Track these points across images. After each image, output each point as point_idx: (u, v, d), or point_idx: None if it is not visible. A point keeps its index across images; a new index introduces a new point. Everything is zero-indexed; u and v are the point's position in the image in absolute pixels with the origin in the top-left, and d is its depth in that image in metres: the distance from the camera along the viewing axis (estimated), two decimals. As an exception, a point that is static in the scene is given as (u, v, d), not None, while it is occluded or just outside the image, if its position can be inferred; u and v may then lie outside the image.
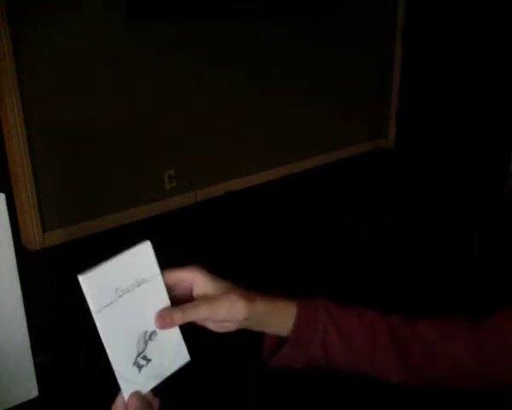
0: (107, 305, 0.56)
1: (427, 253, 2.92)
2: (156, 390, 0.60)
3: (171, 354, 0.62)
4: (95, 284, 0.56)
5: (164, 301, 0.61)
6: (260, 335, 0.70)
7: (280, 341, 0.69)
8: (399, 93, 4.79)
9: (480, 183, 3.78)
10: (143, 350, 0.59)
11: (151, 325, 0.60)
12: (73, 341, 1.53)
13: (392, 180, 4.15)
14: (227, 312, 0.61)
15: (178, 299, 0.62)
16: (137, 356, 0.59)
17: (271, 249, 2.98)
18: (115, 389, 0.59)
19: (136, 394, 0.58)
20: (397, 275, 2.69)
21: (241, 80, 3.68)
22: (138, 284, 0.59)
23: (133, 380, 0.59)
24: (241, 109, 3.74)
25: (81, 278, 0.55)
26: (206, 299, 0.61)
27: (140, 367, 0.59)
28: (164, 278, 0.61)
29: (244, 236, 3.17)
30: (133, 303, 0.58)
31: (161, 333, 0.61)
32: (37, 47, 2.75)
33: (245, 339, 0.66)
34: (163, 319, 0.59)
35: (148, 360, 0.60)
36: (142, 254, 0.60)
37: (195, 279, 0.62)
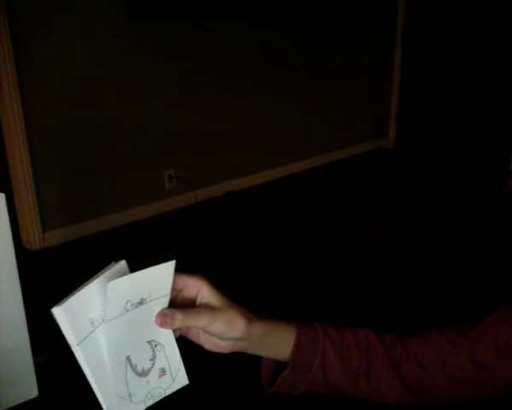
0: (86, 336, 0.54)
1: (427, 251, 2.92)
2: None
3: (170, 375, 0.62)
4: (72, 313, 0.52)
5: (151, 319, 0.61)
6: (257, 359, 0.70)
7: (278, 365, 0.69)
8: (399, 93, 4.79)
9: (480, 182, 3.78)
10: (141, 369, 0.59)
11: (156, 340, 0.60)
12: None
13: (392, 180, 4.15)
14: (226, 325, 0.61)
15: (181, 303, 0.63)
16: (131, 378, 0.58)
17: (271, 249, 2.98)
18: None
19: None
20: (397, 275, 2.69)
21: (241, 80, 3.68)
22: (147, 301, 0.58)
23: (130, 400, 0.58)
24: (241, 109, 3.74)
25: (57, 311, 0.51)
26: (209, 309, 0.61)
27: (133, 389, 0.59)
28: (173, 283, 0.61)
29: (244, 236, 3.16)
30: (119, 327, 0.56)
31: (161, 353, 0.61)
32: (37, 47, 2.75)
33: (243, 364, 0.66)
34: (164, 317, 0.59)
35: (146, 380, 0.59)
36: (120, 274, 0.58)
37: (202, 288, 0.63)
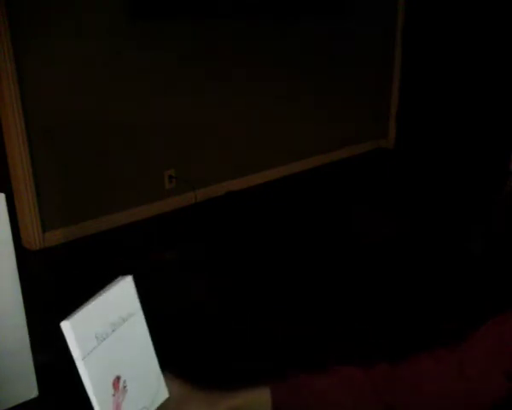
0: (91, 351, 0.54)
1: (427, 251, 2.92)
2: None
3: (152, 391, 0.63)
4: (79, 328, 0.53)
5: (145, 336, 0.62)
6: None
7: None
8: (399, 93, 4.79)
9: (480, 182, 3.78)
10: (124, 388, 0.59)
11: (134, 363, 0.60)
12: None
13: (392, 180, 4.15)
14: None
15: None
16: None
17: (271, 249, 2.98)
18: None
19: None
20: (397, 275, 2.69)
21: (241, 80, 3.68)
22: (121, 322, 0.58)
23: None
24: (241, 109, 3.74)
25: (65, 325, 0.52)
26: (172, 404, 0.65)
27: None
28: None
29: (244, 236, 3.16)
30: (117, 343, 0.57)
31: (142, 371, 0.61)
32: (37, 47, 2.75)
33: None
34: None
35: (129, 396, 0.59)
36: (125, 290, 0.59)
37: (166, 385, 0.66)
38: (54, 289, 2.48)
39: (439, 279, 2.64)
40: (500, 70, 4.16)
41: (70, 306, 0.55)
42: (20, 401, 0.81)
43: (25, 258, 2.85)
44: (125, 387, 0.59)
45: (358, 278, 2.66)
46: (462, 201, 3.56)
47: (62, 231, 3.05)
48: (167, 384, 0.66)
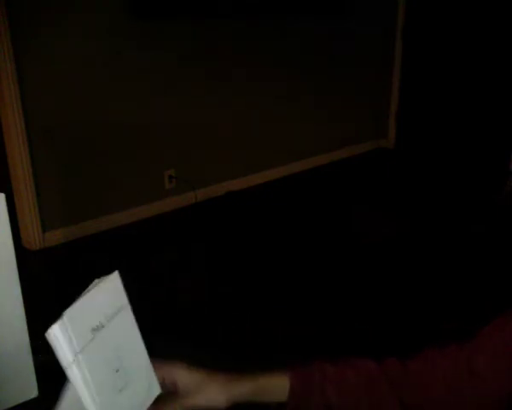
0: (82, 348, 0.54)
1: (427, 251, 2.92)
2: None
3: (145, 386, 0.63)
4: (69, 329, 0.53)
5: (135, 331, 0.62)
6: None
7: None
8: (399, 93, 4.79)
9: (480, 182, 3.78)
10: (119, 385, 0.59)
11: (125, 359, 0.60)
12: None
13: (392, 180, 4.15)
14: (207, 403, 0.65)
15: (167, 391, 0.67)
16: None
17: (271, 249, 2.98)
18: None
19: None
20: (397, 275, 2.69)
21: (241, 80, 3.68)
22: (110, 319, 0.58)
23: None
24: (241, 109, 3.74)
25: (55, 329, 0.52)
26: (186, 395, 0.65)
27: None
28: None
29: (244, 236, 3.16)
30: (108, 340, 0.57)
31: (133, 366, 0.61)
32: (37, 47, 2.75)
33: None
34: None
35: (124, 394, 0.59)
36: (112, 286, 0.59)
37: (178, 373, 0.67)
38: (54, 289, 2.48)
39: (439, 279, 2.64)
40: (500, 70, 4.16)
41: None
42: (20, 401, 0.81)
43: (25, 258, 2.85)
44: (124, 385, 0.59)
45: (358, 278, 2.66)
46: (462, 201, 3.56)
47: (62, 231, 3.05)
48: (181, 374, 0.66)
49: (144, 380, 0.62)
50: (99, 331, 0.56)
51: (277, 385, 0.69)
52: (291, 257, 2.89)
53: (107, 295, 0.58)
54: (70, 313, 0.53)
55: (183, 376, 0.66)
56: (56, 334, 0.52)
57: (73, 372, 0.53)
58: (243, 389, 0.67)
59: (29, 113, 2.78)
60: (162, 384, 0.66)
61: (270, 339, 2.11)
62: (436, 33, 4.40)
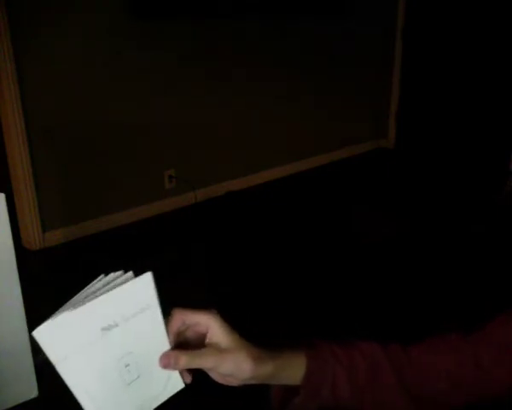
0: (76, 349, 0.54)
1: (427, 251, 2.92)
2: None
3: (162, 380, 0.61)
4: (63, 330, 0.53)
5: (161, 330, 0.60)
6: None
7: (288, 389, 0.69)
8: (399, 93, 4.79)
9: (480, 182, 3.78)
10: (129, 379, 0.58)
11: (140, 355, 0.59)
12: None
13: (392, 180, 4.15)
14: (233, 368, 0.61)
15: (190, 340, 0.63)
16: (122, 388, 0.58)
17: (271, 249, 2.98)
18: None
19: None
20: (397, 275, 2.69)
21: (241, 80, 3.68)
22: (129, 318, 0.57)
23: None
24: (241, 109, 3.74)
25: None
26: (216, 350, 0.61)
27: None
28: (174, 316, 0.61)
29: (244, 236, 3.16)
30: (120, 338, 0.57)
31: (149, 362, 0.60)
32: (37, 47, 2.75)
33: (250, 389, 0.67)
34: (168, 359, 0.59)
35: (133, 386, 0.59)
36: (140, 286, 0.58)
37: (211, 327, 0.62)
38: (54, 289, 2.48)
39: (440, 279, 2.64)
40: (500, 70, 4.16)
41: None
42: (20, 401, 0.81)
43: (25, 258, 2.85)
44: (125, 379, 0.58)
45: (358, 278, 2.66)
46: (462, 201, 3.56)
47: (62, 231, 3.05)
48: (214, 327, 0.62)
49: (162, 372, 0.60)
50: (110, 330, 0.55)
51: (297, 361, 0.67)
52: (291, 257, 2.89)
53: (130, 296, 0.57)
54: (64, 313, 0.53)
55: (217, 332, 0.62)
56: (43, 333, 0.52)
57: (62, 371, 0.54)
58: (270, 363, 0.64)
59: (29, 113, 2.78)
60: (190, 331, 0.63)
61: (270, 339, 2.11)
62: (436, 33, 4.40)
